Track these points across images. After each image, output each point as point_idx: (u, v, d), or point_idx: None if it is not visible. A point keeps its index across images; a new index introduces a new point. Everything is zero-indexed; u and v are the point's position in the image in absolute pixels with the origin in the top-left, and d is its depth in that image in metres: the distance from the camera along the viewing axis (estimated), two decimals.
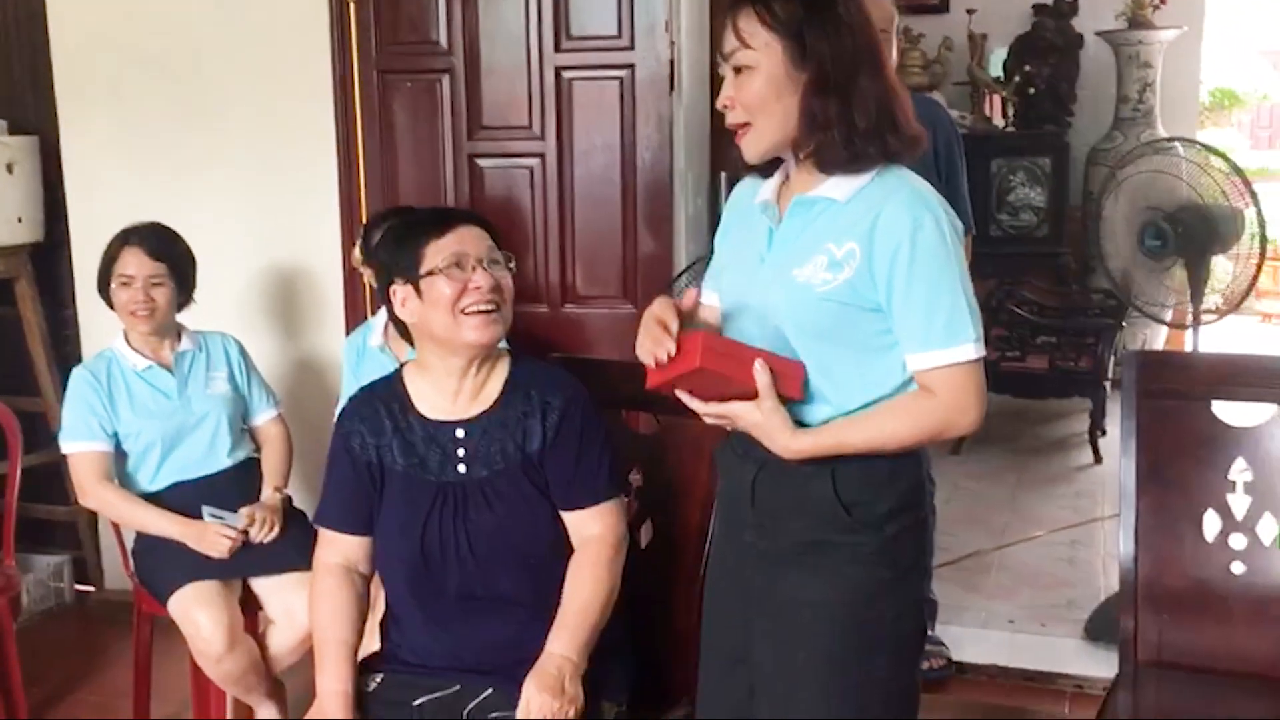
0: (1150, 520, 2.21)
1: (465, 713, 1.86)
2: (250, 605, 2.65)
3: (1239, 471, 2.17)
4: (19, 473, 2.83)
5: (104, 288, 2.74)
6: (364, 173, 3.13)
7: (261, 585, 2.65)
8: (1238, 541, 2.15)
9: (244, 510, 2.67)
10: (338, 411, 2.85)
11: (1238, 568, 2.15)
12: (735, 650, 1.77)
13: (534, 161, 3.08)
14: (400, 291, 1.91)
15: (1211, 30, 6.55)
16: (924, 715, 1.78)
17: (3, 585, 2.78)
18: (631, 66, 2.98)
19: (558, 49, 3.01)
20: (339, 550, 1.97)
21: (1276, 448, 2.14)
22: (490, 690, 1.86)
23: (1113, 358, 5.10)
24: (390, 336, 2.81)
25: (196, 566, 2.56)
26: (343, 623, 1.92)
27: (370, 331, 2.84)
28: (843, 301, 1.60)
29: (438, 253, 1.87)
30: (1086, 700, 2.92)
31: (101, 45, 3.41)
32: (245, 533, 2.62)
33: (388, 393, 1.98)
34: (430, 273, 1.86)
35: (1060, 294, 5.46)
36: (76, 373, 2.73)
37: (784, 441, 1.61)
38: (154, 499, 2.70)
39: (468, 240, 1.89)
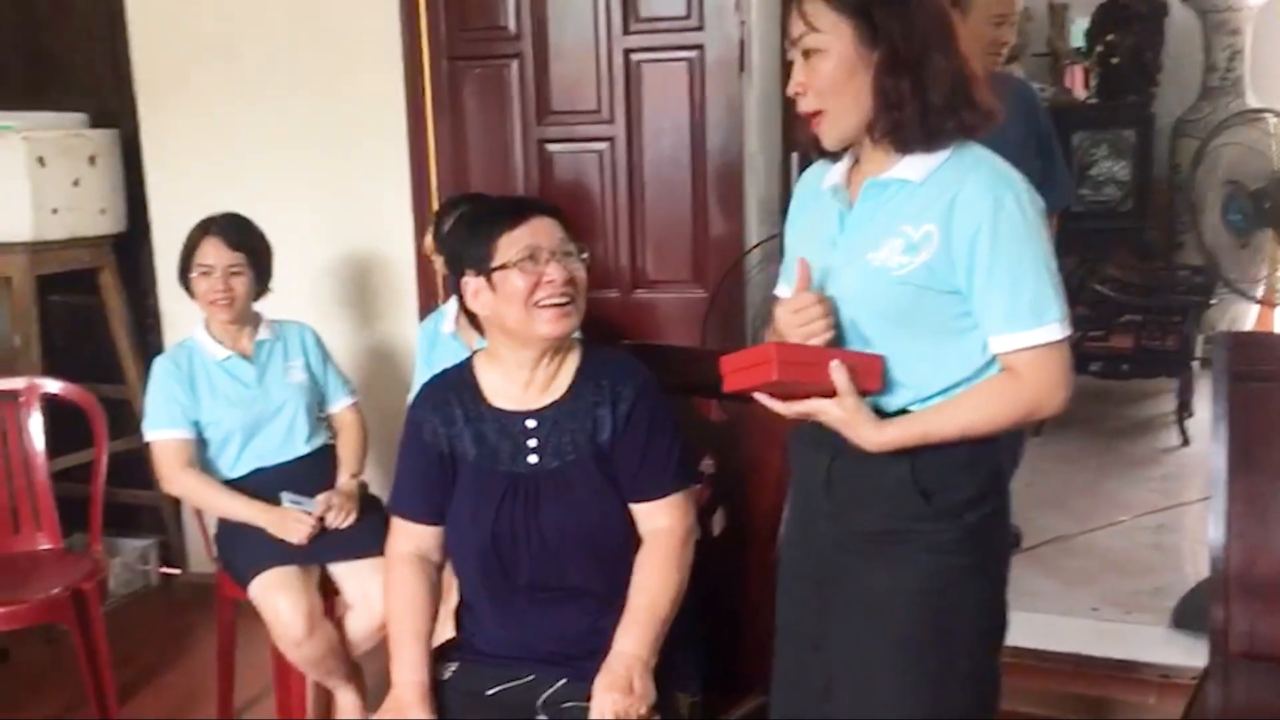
0: (1242, 506, 2.14)
1: (539, 703, 1.87)
2: (328, 590, 2.69)
3: None
4: (105, 459, 2.91)
5: (184, 277, 2.78)
6: (435, 159, 3.14)
7: (339, 570, 2.68)
8: None
9: (321, 497, 2.70)
10: (410, 398, 2.90)
11: None
12: (811, 637, 1.75)
13: (603, 146, 3.06)
14: (472, 283, 1.90)
15: None
16: (1004, 705, 1.74)
17: (91, 570, 2.85)
18: (701, 47, 2.94)
19: (626, 31, 2.99)
20: (411, 539, 1.98)
21: None
22: (564, 681, 1.86)
23: (1200, 336, 4.96)
24: (461, 324, 2.82)
25: (277, 552, 2.60)
26: (417, 612, 1.93)
27: (443, 318, 2.85)
28: (920, 285, 1.57)
29: (511, 245, 1.85)
30: (1174, 690, 2.84)
31: (178, 36, 3.47)
32: (323, 519, 2.66)
33: (459, 382, 1.98)
34: (503, 266, 1.85)
35: (1145, 270, 5.31)
36: (158, 362, 2.78)
37: (869, 435, 1.58)
38: (235, 485, 2.74)
39: (541, 232, 1.86)
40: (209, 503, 2.73)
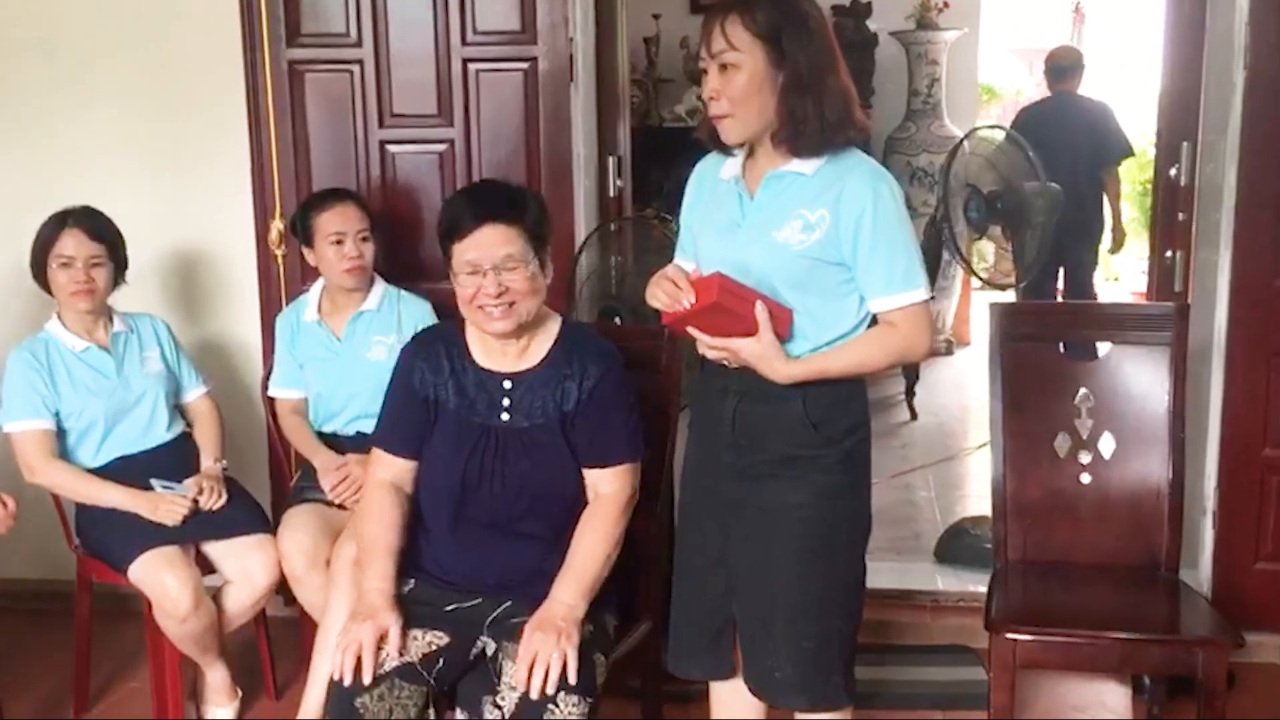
0: (1015, 444, 2.66)
1: (486, 623, 2.14)
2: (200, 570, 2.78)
3: (1083, 399, 2.64)
4: None
5: (38, 270, 2.79)
6: (277, 158, 3.25)
7: (216, 550, 2.78)
8: (1084, 457, 2.63)
9: (190, 480, 2.80)
10: (271, 384, 3.02)
11: (1085, 478, 2.62)
12: (713, 555, 2.10)
13: (443, 147, 3.27)
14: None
15: (981, 31, 7.30)
16: None
17: None
18: (534, 59, 3.22)
19: (464, 42, 3.21)
20: (389, 469, 2.23)
21: (1111, 378, 2.62)
22: (509, 603, 2.14)
23: None
24: (325, 312, 2.98)
25: (154, 534, 2.68)
26: (389, 530, 2.18)
27: (305, 307, 2.99)
28: (815, 258, 1.95)
29: (459, 255, 2.11)
30: (943, 611, 3.39)
31: None
32: (195, 501, 2.75)
33: (449, 337, 2.23)
34: (454, 273, 2.14)
35: None
36: (15, 354, 2.78)
37: (779, 368, 1.95)
38: (98, 474, 2.78)
39: (485, 245, 2.09)
40: (80, 491, 2.76)
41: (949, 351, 6.67)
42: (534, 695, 1.94)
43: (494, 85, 3.25)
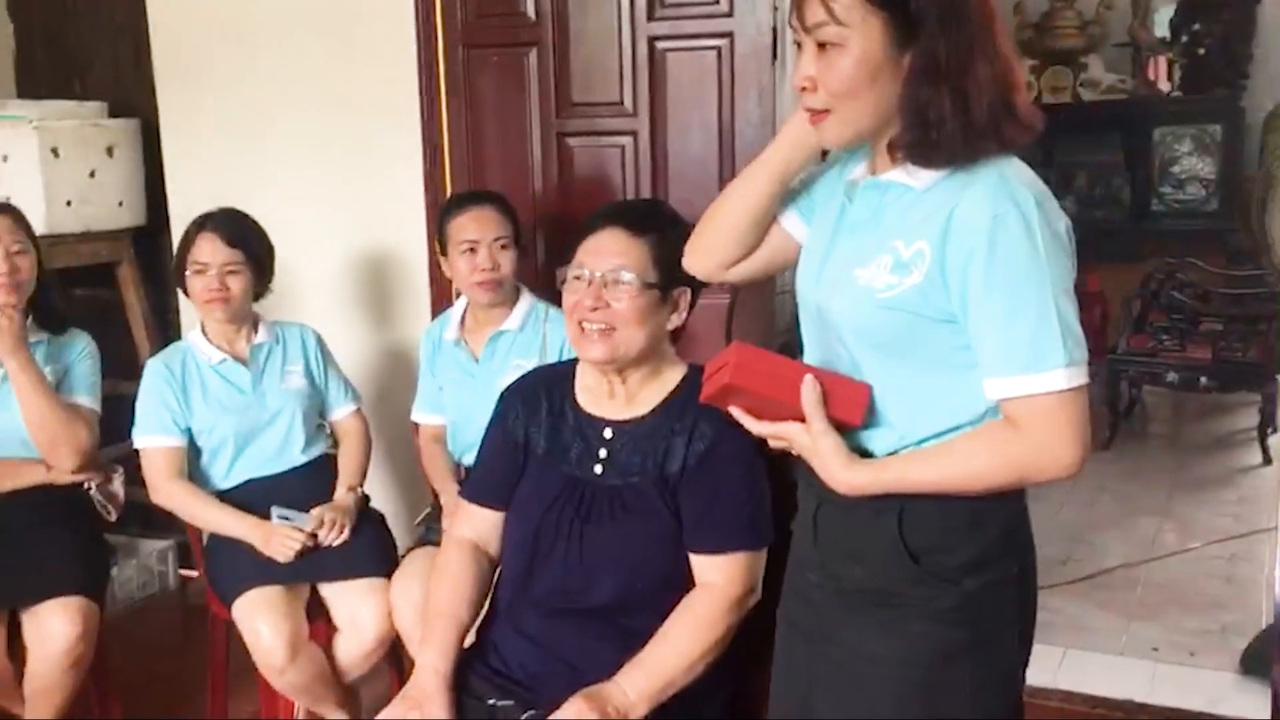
0: None
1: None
2: (320, 611, 2.53)
3: None
4: None
5: (180, 275, 2.65)
6: (449, 153, 2.96)
7: (329, 591, 2.53)
8: None
9: (314, 511, 2.55)
10: (414, 407, 2.74)
11: None
12: (800, 691, 1.56)
13: (626, 140, 2.85)
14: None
15: None
16: None
17: None
18: (730, 35, 2.72)
19: (651, 17, 2.78)
20: (472, 525, 1.93)
21: None
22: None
23: None
24: (466, 330, 2.65)
25: (262, 570, 2.45)
26: (457, 597, 1.86)
27: (447, 324, 2.68)
28: (911, 311, 1.35)
29: (576, 259, 1.83)
30: None
31: (196, 22, 3.33)
32: (315, 535, 2.50)
33: (558, 376, 1.94)
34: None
35: (1229, 276, 4.97)
36: (150, 364, 2.65)
37: (838, 473, 1.38)
38: (227, 497, 2.60)
39: (598, 251, 1.80)
40: (195, 515, 2.59)
41: None
42: None
43: (683, 67, 2.80)
